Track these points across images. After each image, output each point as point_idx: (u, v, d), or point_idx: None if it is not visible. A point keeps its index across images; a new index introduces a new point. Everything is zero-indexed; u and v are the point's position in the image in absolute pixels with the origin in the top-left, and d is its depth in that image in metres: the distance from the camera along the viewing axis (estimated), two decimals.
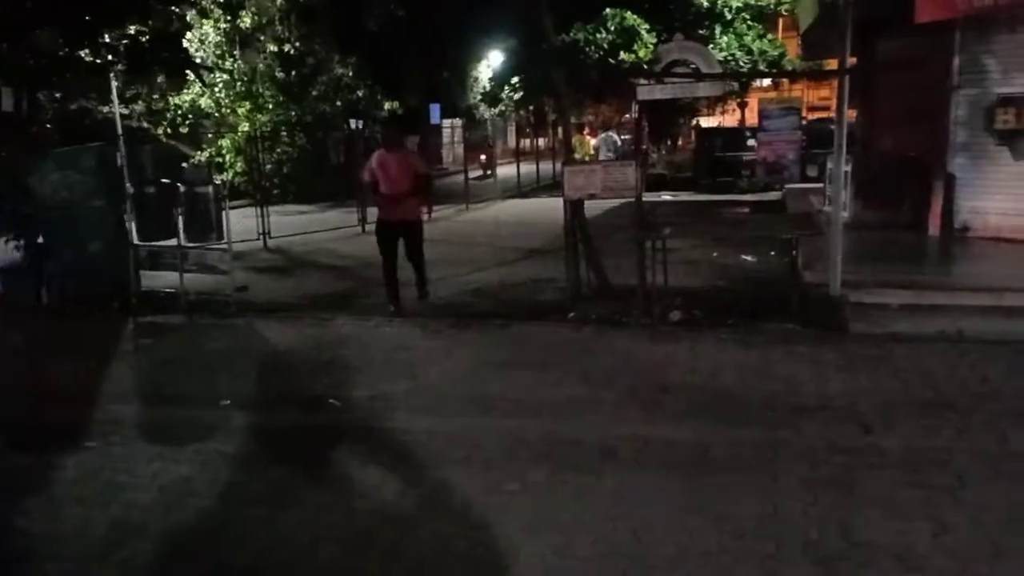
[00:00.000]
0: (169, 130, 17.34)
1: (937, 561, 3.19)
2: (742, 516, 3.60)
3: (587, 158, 14.74)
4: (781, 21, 21.81)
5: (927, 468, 3.99)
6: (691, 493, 3.83)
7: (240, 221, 11.63)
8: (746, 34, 18.53)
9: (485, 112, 24.94)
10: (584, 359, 6.09)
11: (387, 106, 19.45)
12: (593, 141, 18.47)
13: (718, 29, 18.50)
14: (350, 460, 4.42)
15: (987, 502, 3.63)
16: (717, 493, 3.82)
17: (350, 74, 18.70)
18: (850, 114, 11.57)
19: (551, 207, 10.22)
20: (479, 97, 24.33)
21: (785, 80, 27.60)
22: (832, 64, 18.08)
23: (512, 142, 30.16)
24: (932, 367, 5.52)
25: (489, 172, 23.45)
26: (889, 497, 3.71)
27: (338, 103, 18.61)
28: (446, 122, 28.94)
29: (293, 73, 17.96)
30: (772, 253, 9.90)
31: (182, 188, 9.17)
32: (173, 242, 8.53)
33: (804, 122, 19.92)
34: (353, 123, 19.23)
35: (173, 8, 12.01)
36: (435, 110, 21.31)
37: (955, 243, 9.12)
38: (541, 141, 28.83)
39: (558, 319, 7.26)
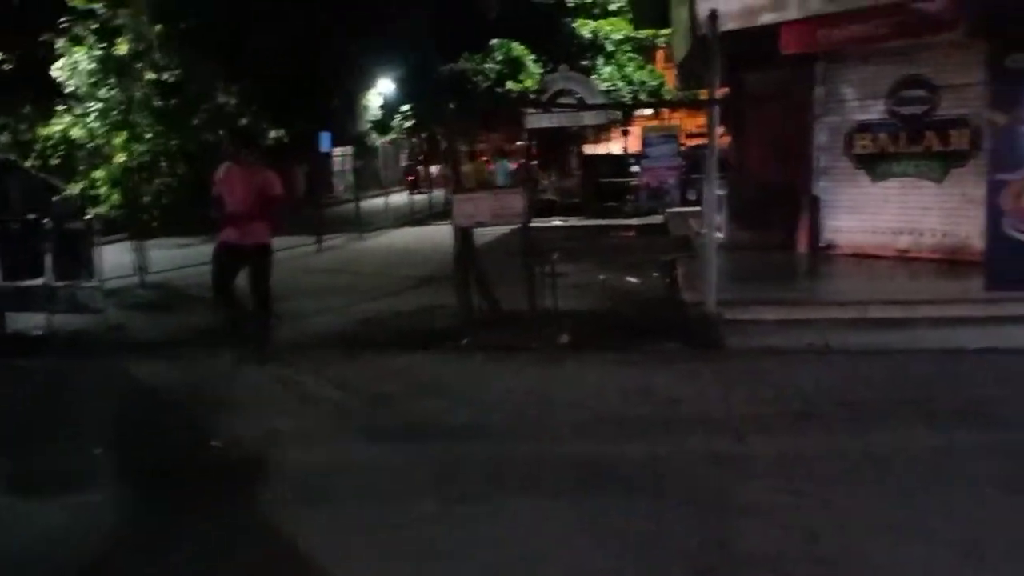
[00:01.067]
0: (39, 162, 16.38)
1: (806, 568, 3.34)
2: (628, 533, 3.68)
3: (485, 182, 14.89)
4: (660, 53, 22.82)
5: (797, 475, 4.20)
6: (579, 513, 3.89)
7: (116, 256, 11.08)
8: (627, 65, 19.25)
9: (376, 140, 24.81)
10: (474, 385, 6.11)
11: (272, 134, 19.05)
12: (492, 167, 18.72)
13: (601, 60, 19.15)
14: (236, 501, 4.26)
15: (852, 507, 3.85)
16: (603, 511, 3.90)
17: (233, 102, 18.24)
18: (725, 141, 12.22)
19: (444, 234, 10.25)
20: (369, 125, 24.19)
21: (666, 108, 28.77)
22: (706, 94, 19.12)
23: (407, 169, 30.04)
24: (801, 378, 5.84)
25: (420, 191, 22.99)
26: (763, 505, 3.88)
27: (220, 131, 18.07)
28: (337, 150, 28.58)
29: (173, 101, 17.34)
30: (655, 275, 10.25)
31: (50, 223, 8.67)
32: (41, 280, 8.05)
33: (684, 148, 20.81)
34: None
35: (40, 37, 11.39)
36: (325, 138, 21.02)
37: (822, 261, 9.72)
38: (434, 168, 28.91)
39: (450, 347, 7.26)
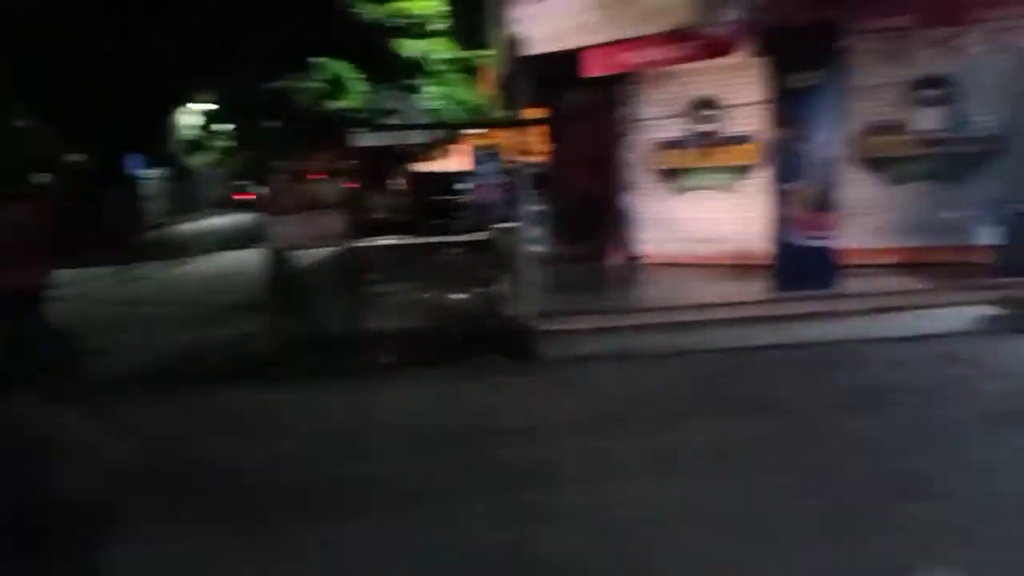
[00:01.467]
0: None
1: (603, 564, 3.47)
2: (434, 547, 3.68)
3: (311, 202, 14.46)
4: (485, 72, 23.27)
5: (598, 474, 4.38)
6: (387, 531, 3.85)
7: None
8: (453, 84, 19.47)
9: (194, 161, 23.61)
10: (286, 414, 5.91)
11: (69, 158, 17.61)
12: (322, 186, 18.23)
13: (427, 80, 19.25)
14: None
15: (652, 499, 4.05)
16: (412, 527, 3.88)
17: (19, 123, 16.69)
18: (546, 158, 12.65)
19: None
20: (185, 145, 22.99)
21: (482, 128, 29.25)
22: (531, 112, 19.68)
23: (226, 191, 28.78)
24: (609, 382, 6.11)
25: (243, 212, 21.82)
26: (562, 508, 4.00)
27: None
28: (150, 172, 26.88)
29: None
30: (480, 290, 10.38)
31: None
32: None
33: (513, 166, 21.18)
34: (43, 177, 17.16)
35: None
36: (134, 161, 19.71)
37: (633, 270, 10.24)
38: (260, 189, 27.86)
39: (265, 375, 6.99)
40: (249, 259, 15.98)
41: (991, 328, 6.82)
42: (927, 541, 3.46)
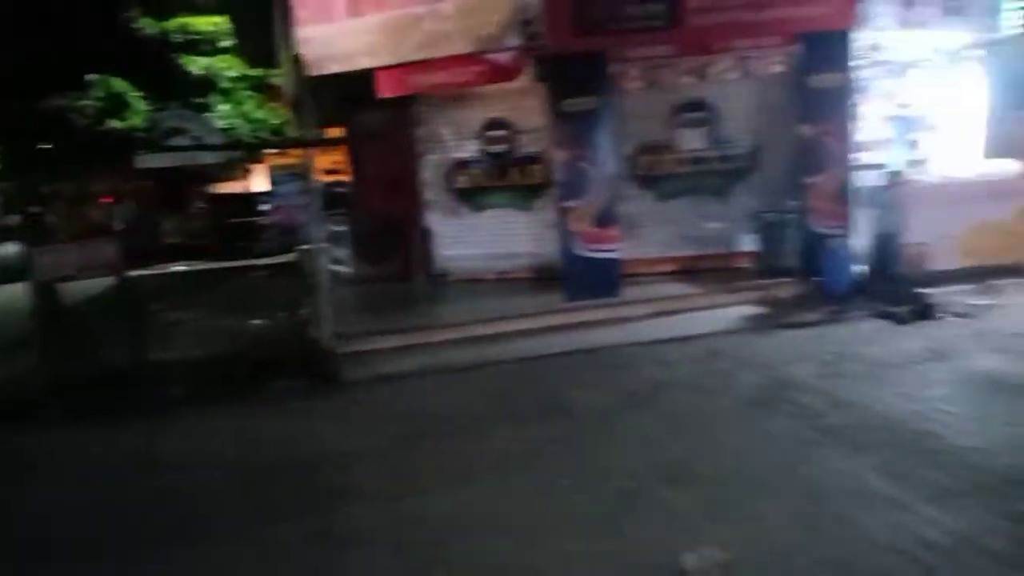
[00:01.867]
0: None
1: None
2: None
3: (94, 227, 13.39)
4: (279, 91, 22.63)
5: (400, 492, 4.46)
6: (179, 570, 3.72)
7: None
8: (245, 103, 18.85)
9: None
10: (56, 460, 5.49)
11: None
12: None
13: (217, 98, 18.50)
14: None
15: (450, 511, 4.18)
16: (205, 564, 3.76)
17: None
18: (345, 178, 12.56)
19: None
20: None
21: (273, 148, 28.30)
22: (329, 132, 19.41)
23: None
24: (410, 401, 6.21)
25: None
26: (364, 533, 4.05)
27: None
28: None
29: None
30: (282, 314, 10.13)
31: None
32: None
33: (312, 185, 20.76)
34: None
35: None
36: None
37: (437, 288, 10.43)
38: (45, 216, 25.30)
39: (32, 417, 6.43)
40: (14, 293, 14.57)
41: (752, 325, 7.64)
42: (692, 523, 3.85)
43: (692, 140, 9.57)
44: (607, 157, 8.54)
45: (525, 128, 10.12)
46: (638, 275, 9.32)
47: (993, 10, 9.62)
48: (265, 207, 19.35)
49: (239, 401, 6.57)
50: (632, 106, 9.49)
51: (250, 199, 21.32)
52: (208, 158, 17.15)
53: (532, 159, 10.19)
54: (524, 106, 9.94)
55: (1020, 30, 9.64)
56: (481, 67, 9.18)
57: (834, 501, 3.89)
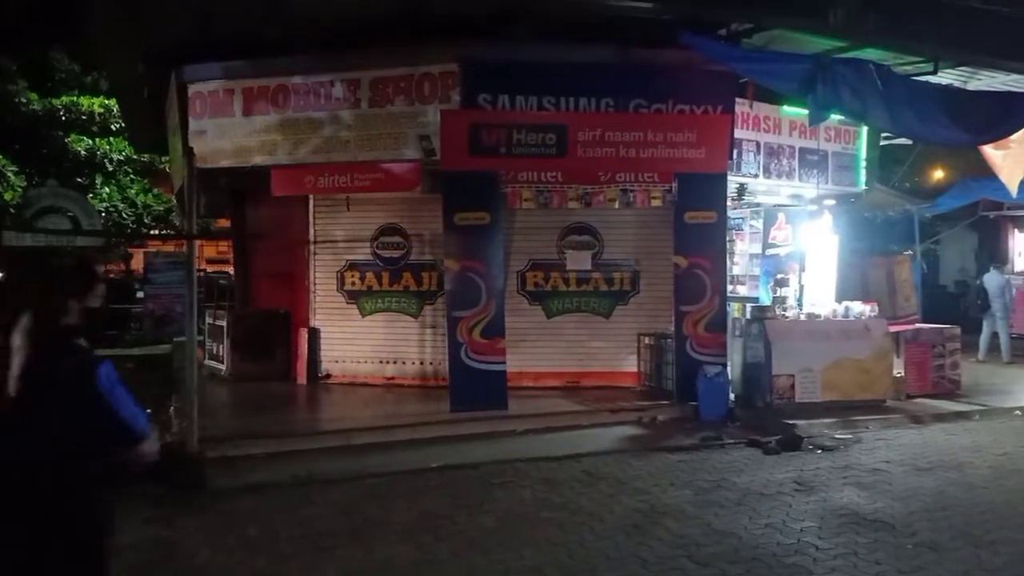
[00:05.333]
0: None
1: None
2: None
3: None
4: (167, 178, 22.05)
5: None
6: None
7: None
8: (130, 187, 18.23)
9: None
10: None
11: None
12: None
13: (99, 179, 17.81)
14: None
15: None
16: None
17: None
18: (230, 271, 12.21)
19: None
20: None
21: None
22: (218, 223, 18.95)
23: None
24: (277, 515, 5.86)
25: None
26: None
27: None
28: None
29: None
30: (148, 411, 9.54)
31: None
32: None
33: (203, 273, 20.26)
34: None
35: None
36: None
37: (319, 391, 10.16)
38: None
39: None
40: None
41: (632, 447, 7.77)
42: None
43: (579, 261, 9.96)
44: (497, 271, 8.73)
45: (419, 235, 10.25)
46: (524, 388, 9.41)
47: (848, 168, 10.75)
48: (140, 295, 18.49)
49: None
50: (524, 224, 9.84)
51: (125, 285, 20.37)
52: (84, 240, 16.31)
53: (424, 266, 10.29)
54: (419, 214, 10.11)
55: (866, 187, 10.79)
56: (377, 174, 9.34)
57: None
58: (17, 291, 3.10)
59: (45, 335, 2.81)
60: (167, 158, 14.48)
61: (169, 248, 18.77)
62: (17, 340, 2.76)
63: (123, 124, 16.22)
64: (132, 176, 18.20)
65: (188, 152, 8.17)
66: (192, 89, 9.66)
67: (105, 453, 2.86)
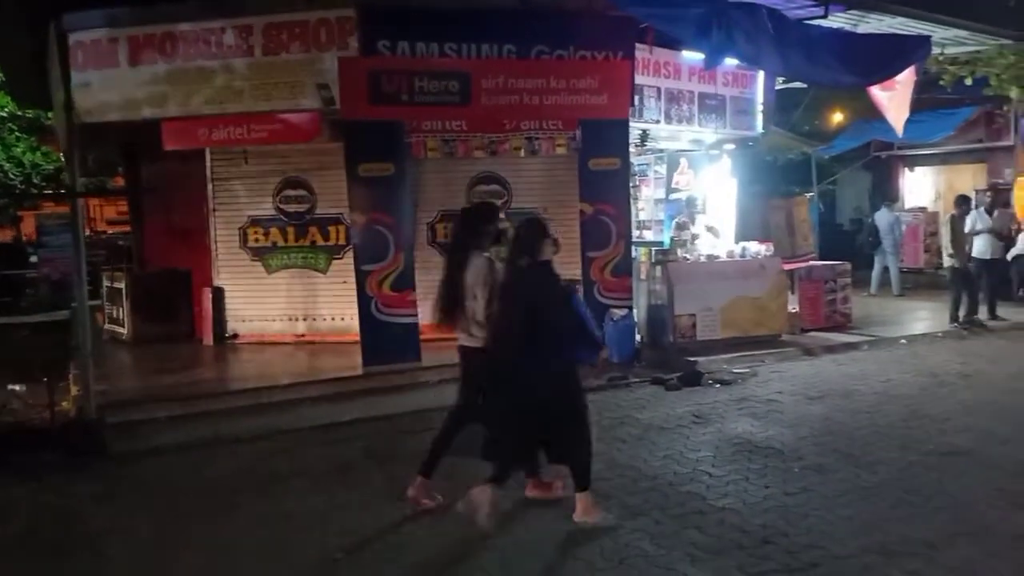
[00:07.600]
0: None
1: None
2: None
3: None
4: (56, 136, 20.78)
5: None
6: None
7: None
8: (16, 145, 17.15)
9: None
10: None
11: None
12: None
13: None
14: None
15: None
16: None
17: None
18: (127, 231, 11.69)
19: None
20: None
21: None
22: (112, 181, 18.07)
23: None
24: (181, 477, 5.77)
25: None
26: None
27: None
28: None
29: None
30: (45, 379, 9.15)
31: None
32: None
33: (101, 236, 19.43)
34: None
35: None
36: None
37: (226, 351, 9.93)
38: None
39: None
40: None
41: None
42: None
43: None
44: (405, 223, 8.64)
45: (323, 189, 10.03)
46: (442, 340, 9.38)
47: (746, 112, 11.00)
48: (34, 259, 17.57)
49: None
50: (432, 175, 9.74)
51: (17, 250, 19.30)
52: None
53: (330, 220, 10.10)
54: (324, 167, 9.87)
55: (764, 131, 11.09)
56: (275, 125, 9.05)
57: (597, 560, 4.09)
58: None
59: None
60: (52, 113, 13.64)
61: (64, 209, 17.85)
62: None
63: (3, 78, 15.16)
64: (17, 134, 17.11)
65: (68, 105, 7.73)
66: (73, 38, 9.04)
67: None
